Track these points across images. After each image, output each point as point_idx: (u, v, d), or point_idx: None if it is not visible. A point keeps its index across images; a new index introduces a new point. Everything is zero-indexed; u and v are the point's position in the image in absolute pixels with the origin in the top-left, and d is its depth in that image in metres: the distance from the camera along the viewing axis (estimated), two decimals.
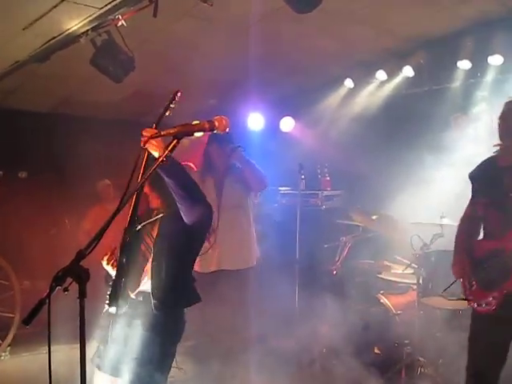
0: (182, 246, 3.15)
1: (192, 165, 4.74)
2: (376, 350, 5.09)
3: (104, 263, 3.15)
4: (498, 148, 3.56)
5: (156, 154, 2.65)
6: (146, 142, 2.71)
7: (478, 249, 3.55)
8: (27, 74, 5.74)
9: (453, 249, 3.76)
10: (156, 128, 2.82)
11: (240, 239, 4.92)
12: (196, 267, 4.19)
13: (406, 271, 5.19)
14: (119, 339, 3.07)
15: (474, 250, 3.56)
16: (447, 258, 3.82)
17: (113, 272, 3.06)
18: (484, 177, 3.59)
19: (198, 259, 3.52)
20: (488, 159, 3.59)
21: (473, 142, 5.11)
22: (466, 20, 5.35)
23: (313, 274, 6.12)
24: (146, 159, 2.81)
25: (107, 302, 2.94)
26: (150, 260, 3.11)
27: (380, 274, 5.56)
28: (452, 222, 4.46)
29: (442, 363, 4.60)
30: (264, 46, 5.38)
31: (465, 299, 3.55)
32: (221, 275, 4.79)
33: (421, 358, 4.74)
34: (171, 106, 2.91)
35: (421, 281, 4.80)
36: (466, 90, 5.67)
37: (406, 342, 4.92)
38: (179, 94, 2.93)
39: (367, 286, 5.60)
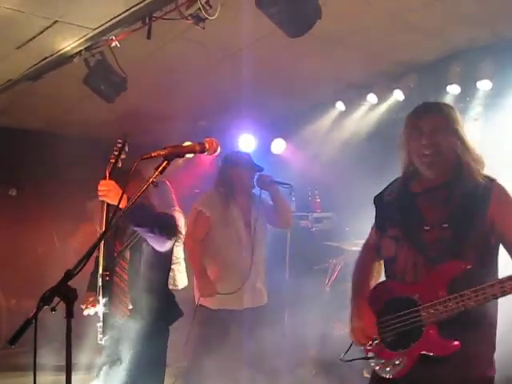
0: (155, 264, 3.48)
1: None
2: (365, 374, 5.07)
3: (85, 312, 3.52)
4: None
5: (115, 203, 2.97)
6: (104, 196, 3.11)
7: (384, 294, 2.73)
8: (19, 92, 5.77)
9: None
10: (110, 178, 2.99)
11: (264, 275, 4.81)
12: (228, 304, 4.42)
13: None
14: (119, 357, 3.43)
15: (377, 296, 2.76)
16: None
17: (98, 309, 3.27)
18: (394, 202, 2.81)
19: (231, 296, 4.28)
20: (397, 181, 2.88)
21: None
22: (455, 45, 5.43)
23: (302, 295, 6.10)
24: (107, 209, 3.20)
25: (100, 335, 3.21)
26: (127, 280, 3.34)
27: None
28: None
29: None
30: (255, 69, 5.43)
31: (365, 358, 2.76)
32: (247, 312, 4.58)
33: None
34: (122, 156, 3.08)
35: None
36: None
37: None
38: (126, 145, 3.07)
39: None
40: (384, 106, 6.33)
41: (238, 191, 4.65)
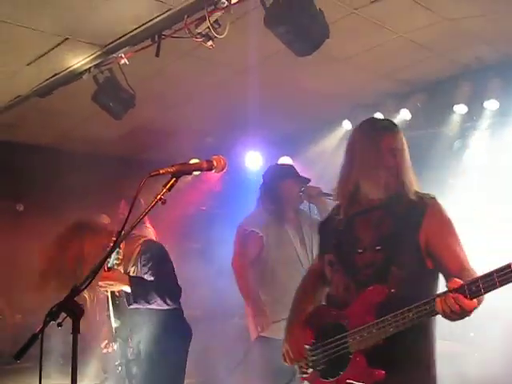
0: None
1: None
2: None
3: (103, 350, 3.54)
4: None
5: (123, 287, 3.28)
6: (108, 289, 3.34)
7: (318, 319, 2.64)
8: (28, 108, 5.81)
9: None
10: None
11: None
12: (272, 334, 4.07)
13: None
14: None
15: (312, 321, 2.66)
16: None
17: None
18: (329, 228, 2.77)
19: (274, 325, 3.96)
20: (336, 207, 2.80)
21: (470, 188, 5.11)
22: (462, 65, 5.46)
23: None
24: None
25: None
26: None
27: None
28: None
29: None
30: (263, 87, 5.46)
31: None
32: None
33: None
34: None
35: None
36: (462, 134, 5.74)
37: None
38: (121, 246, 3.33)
39: None
40: None
41: (287, 207, 4.38)
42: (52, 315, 1.91)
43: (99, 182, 6.67)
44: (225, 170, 2.25)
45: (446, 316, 2.09)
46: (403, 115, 6.11)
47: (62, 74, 4.98)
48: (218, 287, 5.99)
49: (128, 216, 1.89)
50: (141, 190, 1.94)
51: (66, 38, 4.34)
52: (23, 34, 4.22)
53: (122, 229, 1.91)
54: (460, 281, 2.06)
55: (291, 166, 4.76)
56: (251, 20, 4.07)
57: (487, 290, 2.00)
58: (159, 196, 1.99)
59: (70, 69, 4.87)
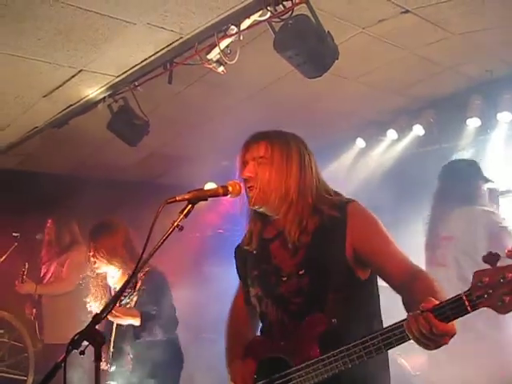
0: None
1: None
2: None
3: None
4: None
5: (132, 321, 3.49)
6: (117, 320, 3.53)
7: (258, 351, 2.39)
8: (45, 138, 5.90)
9: None
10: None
11: None
12: None
13: None
14: None
15: (252, 353, 2.40)
16: None
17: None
18: (250, 254, 2.46)
19: None
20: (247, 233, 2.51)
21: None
22: (473, 78, 5.47)
23: None
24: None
25: None
26: None
27: None
28: None
29: None
30: (275, 108, 5.51)
31: None
32: None
33: None
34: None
35: None
36: (476, 148, 5.72)
37: None
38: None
39: None
40: (404, 142, 6.35)
41: None
42: (74, 343, 1.94)
43: (117, 208, 6.71)
44: (241, 195, 2.27)
45: (418, 340, 1.78)
46: (416, 131, 6.11)
47: (77, 104, 5.07)
48: None
49: (146, 244, 1.91)
50: (158, 217, 1.96)
51: (81, 70, 4.43)
52: (39, 68, 4.31)
53: (140, 258, 1.93)
54: (434, 301, 1.79)
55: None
56: (261, 43, 4.14)
57: (457, 315, 1.74)
58: (176, 223, 2.01)
59: (85, 99, 4.96)
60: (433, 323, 1.72)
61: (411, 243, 5.21)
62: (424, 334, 1.74)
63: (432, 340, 1.75)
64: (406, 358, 5.11)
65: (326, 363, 2.03)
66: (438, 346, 1.78)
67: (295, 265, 2.26)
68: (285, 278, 2.27)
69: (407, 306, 2.04)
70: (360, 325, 2.16)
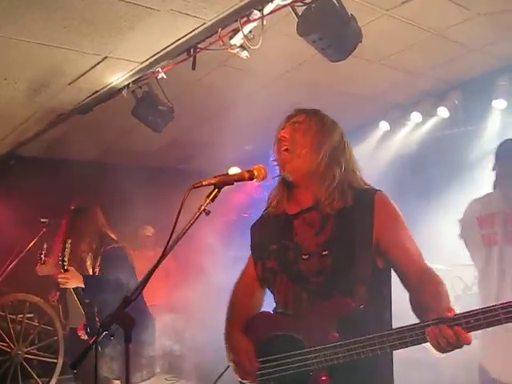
0: None
1: None
2: None
3: None
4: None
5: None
6: (65, 284, 4.04)
7: (265, 327, 2.31)
8: (71, 124, 5.98)
9: None
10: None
11: None
12: None
13: None
14: None
15: (257, 328, 2.33)
16: None
17: None
18: (269, 229, 2.41)
19: None
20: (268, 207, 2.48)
21: None
22: (499, 59, 5.39)
23: None
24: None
25: None
26: None
27: None
28: None
29: None
30: (298, 92, 5.49)
31: None
32: None
33: None
34: None
35: None
36: (503, 130, 5.64)
37: None
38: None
39: None
40: (428, 125, 6.29)
41: None
42: (105, 326, 1.99)
43: (142, 193, 6.78)
44: (266, 179, 2.28)
45: (438, 348, 1.84)
46: (441, 114, 6.06)
47: (101, 91, 5.13)
48: None
49: (174, 227, 1.95)
50: (185, 202, 1.99)
51: (105, 57, 4.47)
52: (65, 55, 4.36)
53: (169, 240, 1.96)
54: (454, 309, 1.84)
55: None
56: (284, 27, 4.13)
57: (490, 325, 1.78)
58: (203, 207, 2.03)
59: (110, 86, 5.00)
60: (461, 337, 1.79)
61: (435, 227, 5.25)
62: (450, 343, 1.81)
63: (454, 346, 1.83)
64: None
65: (351, 348, 1.99)
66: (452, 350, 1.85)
67: (318, 244, 2.20)
68: (306, 257, 2.22)
69: (414, 305, 2.11)
70: (376, 313, 2.16)
